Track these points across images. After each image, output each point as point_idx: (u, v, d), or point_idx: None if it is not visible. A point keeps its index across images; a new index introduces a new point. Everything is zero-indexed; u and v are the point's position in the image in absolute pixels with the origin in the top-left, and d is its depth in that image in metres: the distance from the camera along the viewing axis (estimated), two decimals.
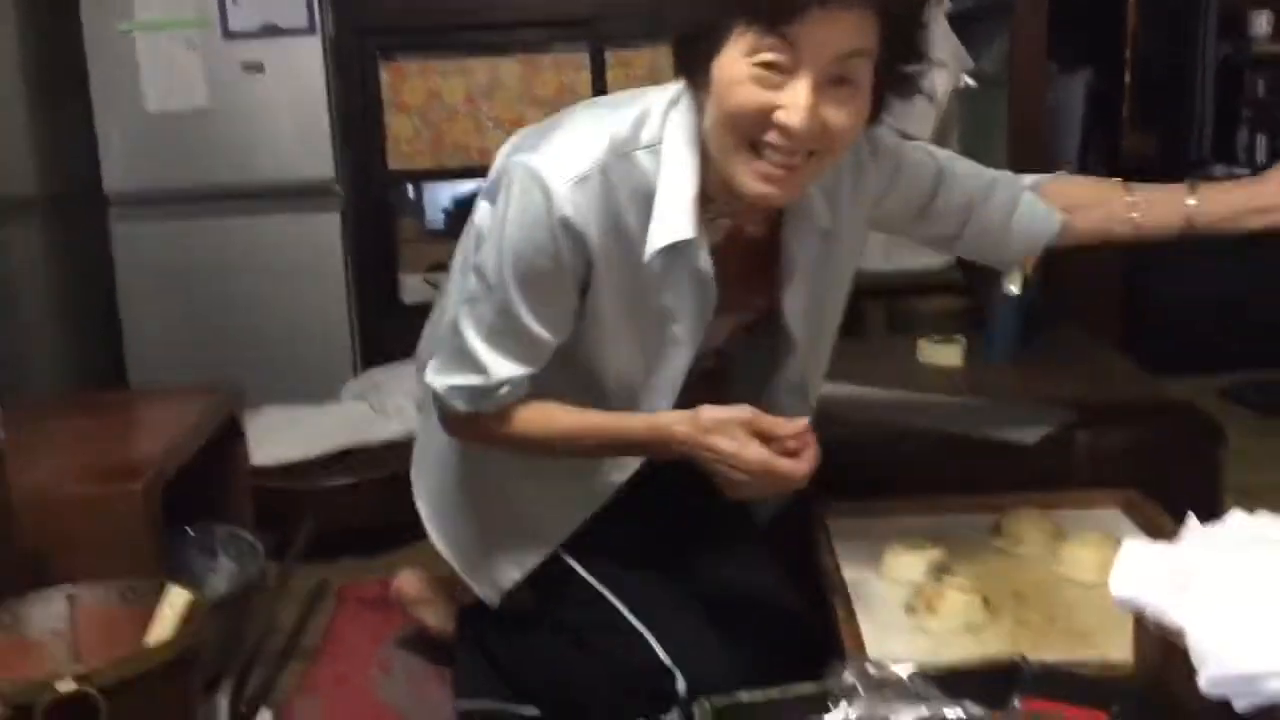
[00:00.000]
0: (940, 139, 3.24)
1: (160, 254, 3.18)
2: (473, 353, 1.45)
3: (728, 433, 1.37)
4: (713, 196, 1.42)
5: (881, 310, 3.26)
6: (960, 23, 3.30)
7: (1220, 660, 0.97)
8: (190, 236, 3.18)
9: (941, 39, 3.12)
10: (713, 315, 1.49)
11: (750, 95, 1.27)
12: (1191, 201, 1.59)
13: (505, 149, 1.57)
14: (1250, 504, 2.19)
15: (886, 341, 2.67)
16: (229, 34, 3.10)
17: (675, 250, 1.41)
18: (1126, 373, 2.19)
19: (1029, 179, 1.71)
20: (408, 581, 2.08)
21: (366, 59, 3.24)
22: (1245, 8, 3.71)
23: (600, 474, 1.61)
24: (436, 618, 2.02)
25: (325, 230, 3.20)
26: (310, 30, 3.10)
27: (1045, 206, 1.67)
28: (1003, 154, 3.23)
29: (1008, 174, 1.72)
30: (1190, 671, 1.00)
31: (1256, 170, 3.74)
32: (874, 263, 3.33)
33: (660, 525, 1.75)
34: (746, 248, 1.53)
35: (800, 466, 1.38)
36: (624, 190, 1.39)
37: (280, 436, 2.61)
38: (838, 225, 1.54)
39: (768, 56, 1.25)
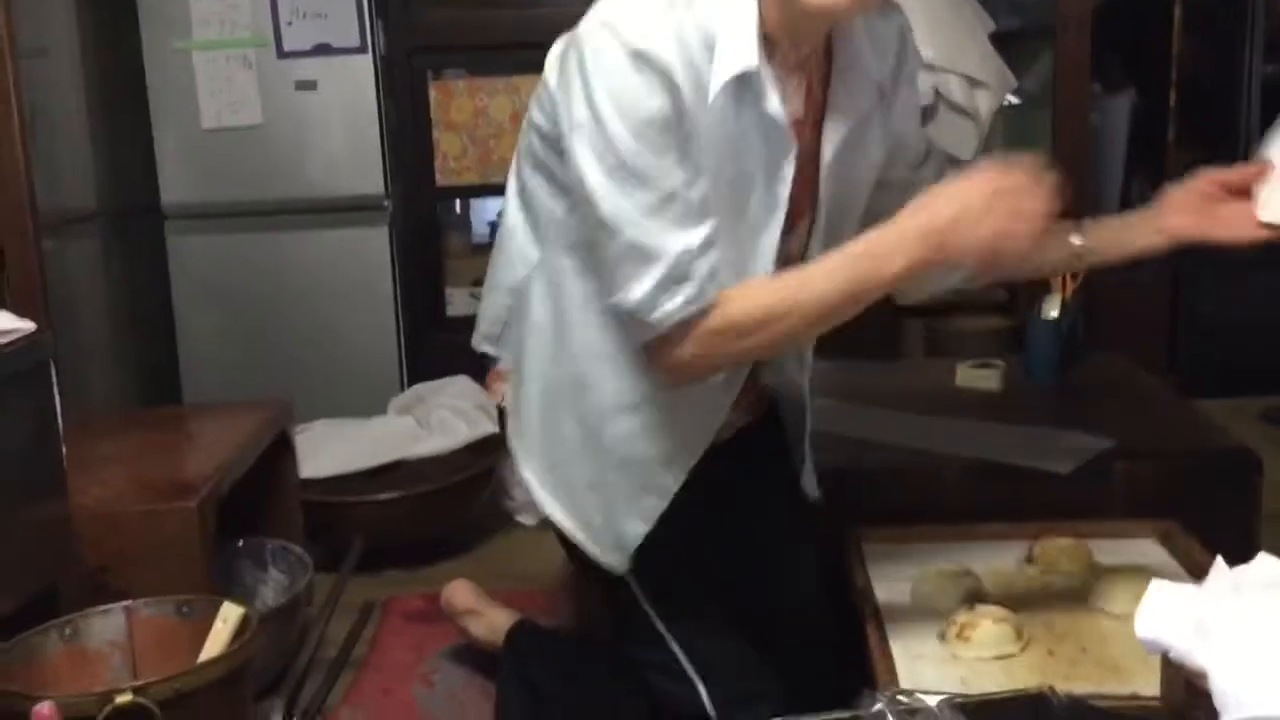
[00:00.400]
0: (982, 157, 3.26)
1: (214, 267, 3.26)
2: (638, 246, 1.34)
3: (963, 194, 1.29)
4: (776, 42, 1.38)
5: (921, 329, 3.28)
6: (1004, 42, 3.31)
7: (1241, 704, 0.99)
8: (243, 250, 3.26)
9: (984, 59, 3.14)
10: (793, 172, 1.41)
11: None
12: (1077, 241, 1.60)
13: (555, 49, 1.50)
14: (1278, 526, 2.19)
15: (924, 364, 2.69)
16: (283, 53, 3.17)
17: (744, 89, 1.35)
18: (1165, 400, 2.19)
19: None
20: (457, 592, 2.10)
21: (416, 78, 3.30)
22: None
23: (705, 400, 1.53)
24: (482, 629, 2.05)
25: (375, 245, 3.27)
26: (362, 49, 3.17)
27: None
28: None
29: None
30: (1213, 713, 1.02)
31: None
32: None
33: (726, 533, 1.73)
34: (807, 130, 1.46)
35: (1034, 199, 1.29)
36: (693, 36, 1.33)
37: (328, 450, 2.67)
38: (891, 86, 1.49)
39: None
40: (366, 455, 2.65)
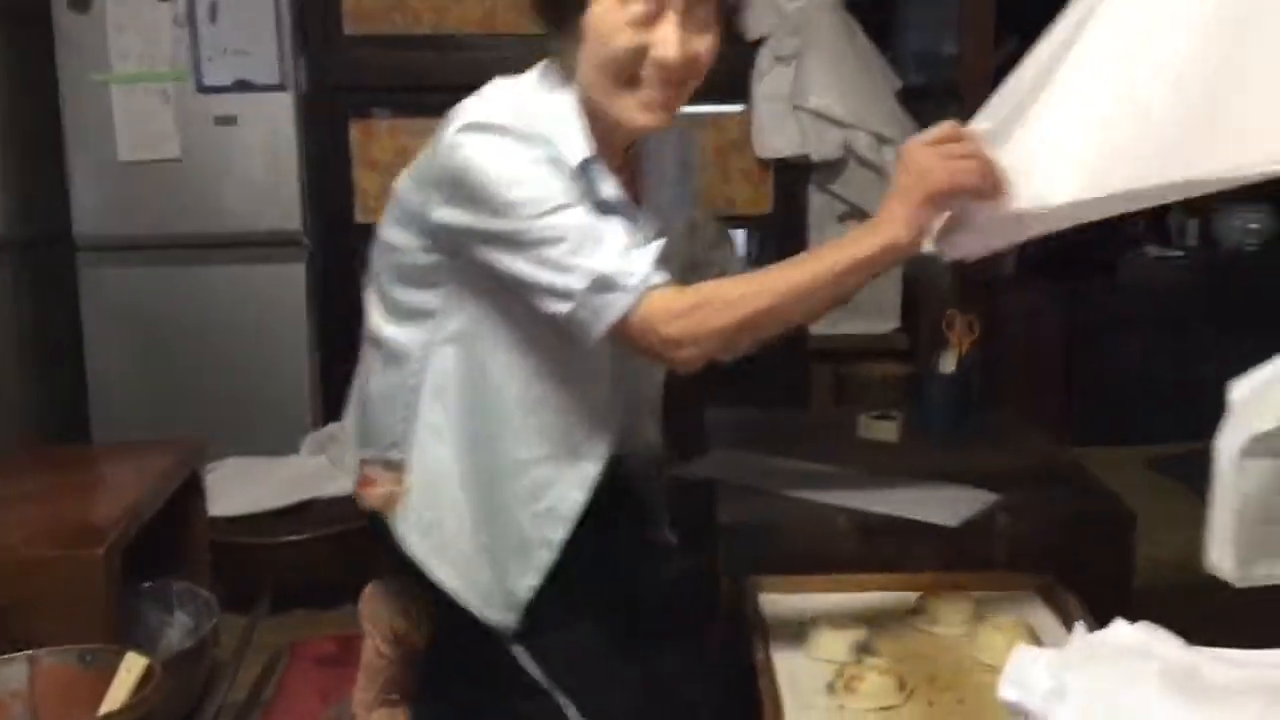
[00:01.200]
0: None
1: (127, 300, 3.24)
2: (587, 227, 1.45)
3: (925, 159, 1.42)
4: (599, 152, 1.53)
5: (829, 375, 3.37)
6: (911, 97, 3.44)
7: None
8: (158, 284, 3.25)
9: (891, 115, 3.26)
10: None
11: (628, 38, 1.43)
12: None
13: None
14: (1161, 571, 2.30)
15: (829, 412, 2.77)
16: (203, 88, 3.18)
17: (582, 182, 1.49)
18: (1051, 456, 2.30)
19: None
20: (371, 599, 2.07)
21: (336, 116, 3.32)
22: None
23: (588, 440, 1.65)
24: (387, 639, 2.02)
25: (291, 281, 3.28)
26: (282, 86, 3.20)
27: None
28: None
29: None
30: None
31: (1188, 253, 3.90)
32: (820, 328, 3.45)
33: (605, 591, 1.82)
34: None
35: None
36: (539, 128, 1.48)
37: (238, 489, 2.68)
38: (679, 178, 1.72)
39: (637, 8, 1.43)
40: (277, 494, 2.66)
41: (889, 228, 1.43)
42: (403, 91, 3.39)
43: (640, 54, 1.44)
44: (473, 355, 1.61)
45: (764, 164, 3.34)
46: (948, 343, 2.52)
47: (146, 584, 2.25)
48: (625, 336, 1.47)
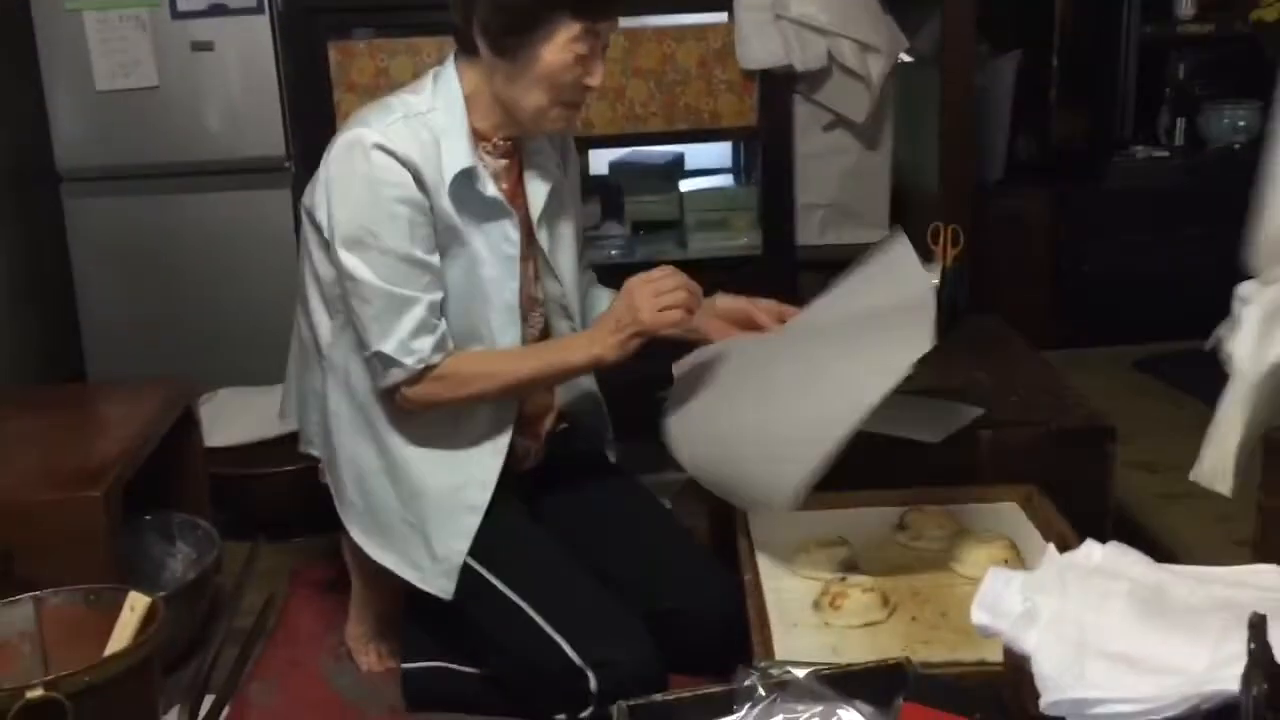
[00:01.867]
0: (876, 118, 3.35)
1: (114, 231, 3.22)
2: (396, 297, 1.73)
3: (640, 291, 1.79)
4: (487, 135, 1.83)
5: (818, 285, 3.37)
6: (895, 3, 3.39)
7: (1058, 686, 1.11)
8: (144, 213, 3.22)
9: (875, 23, 3.22)
10: (518, 235, 1.84)
11: (575, 73, 1.74)
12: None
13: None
14: (1147, 476, 2.36)
15: None
16: (178, 14, 3.13)
17: (467, 182, 1.78)
18: (1034, 368, 2.33)
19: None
20: None
21: (315, 38, 3.27)
22: None
23: (483, 429, 1.87)
24: (372, 574, 2.06)
25: (277, 206, 3.25)
26: (259, 9, 3.14)
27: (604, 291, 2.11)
28: (934, 132, 3.34)
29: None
30: (1037, 692, 1.14)
31: (1175, 153, 3.88)
32: (809, 238, 3.45)
33: (569, 514, 1.94)
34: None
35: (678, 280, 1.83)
36: (427, 136, 1.75)
37: (234, 419, 2.71)
38: (561, 164, 1.97)
39: (584, 48, 1.73)
40: (271, 424, 2.68)
41: (599, 349, 1.80)
42: (382, 11, 3.33)
43: (580, 83, 1.76)
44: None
45: (748, 75, 3.29)
46: (932, 256, 2.53)
47: (148, 516, 2.29)
48: (397, 393, 1.79)
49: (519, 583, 1.80)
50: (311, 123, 3.30)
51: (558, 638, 1.74)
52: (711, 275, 3.40)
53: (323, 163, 1.80)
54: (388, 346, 1.74)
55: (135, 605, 1.62)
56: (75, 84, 3.14)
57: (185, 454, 2.35)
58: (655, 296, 1.77)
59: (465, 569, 1.83)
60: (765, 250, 3.43)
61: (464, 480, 1.85)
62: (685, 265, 3.36)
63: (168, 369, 2.92)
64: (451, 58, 1.84)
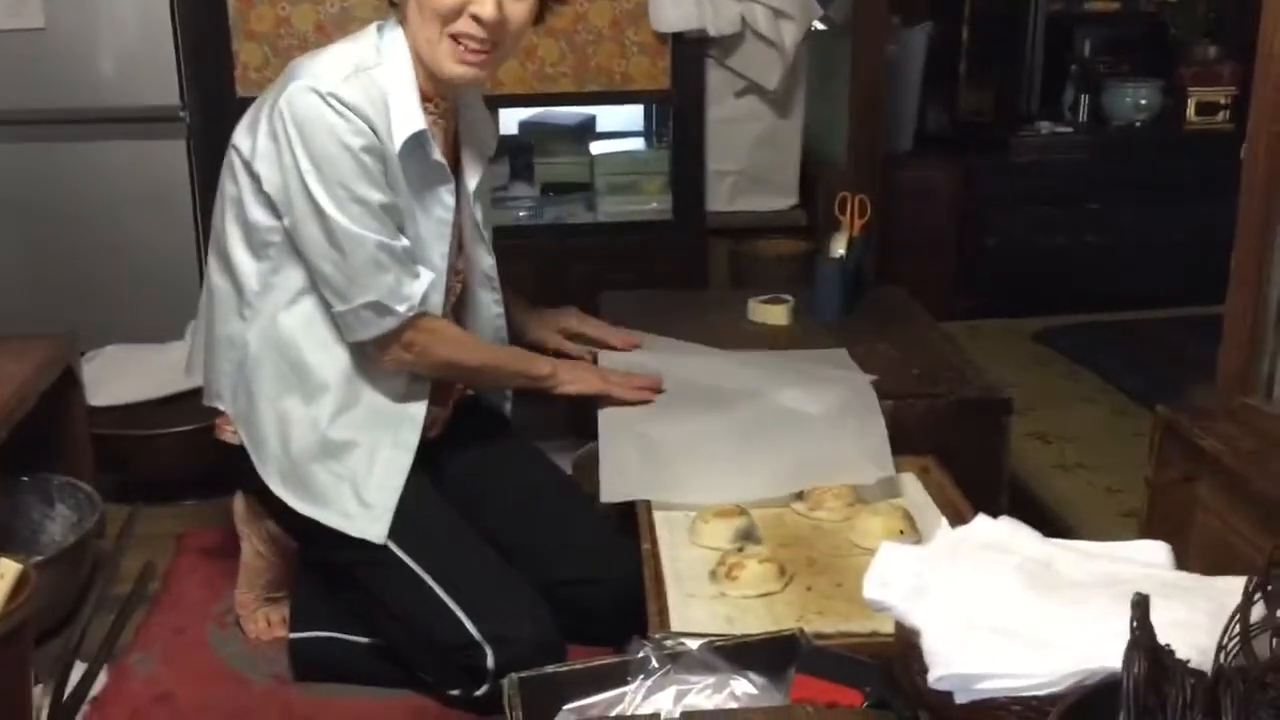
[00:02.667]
0: (788, 85, 3.34)
1: None
2: (382, 246, 1.72)
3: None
4: (429, 98, 1.81)
5: (724, 252, 3.37)
6: None
7: (946, 661, 1.11)
8: (29, 161, 3.08)
9: None
10: (453, 200, 1.85)
11: None
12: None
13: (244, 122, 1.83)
14: (1043, 447, 2.40)
15: (722, 296, 2.78)
16: None
17: (416, 144, 1.76)
18: (935, 339, 2.34)
19: None
20: (245, 502, 2.08)
21: None
22: None
23: (402, 388, 1.87)
24: (264, 540, 2.04)
25: (172, 157, 3.14)
26: None
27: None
28: (845, 101, 3.34)
29: None
30: (925, 666, 1.15)
31: (1079, 129, 3.94)
32: (718, 204, 3.44)
33: (471, 483, 1.91)
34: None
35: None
36: (375, 94, 1.72)
37: (119, 378, 2.61)
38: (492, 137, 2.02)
39: None
40: (159, 384, 2.59)
41: (558, 379, 1.95)
42: None
43: (459, 8, 1.70)
44: (302, 305, 1.80)
45: (661, 38, 3.26)
46: (839, 226, 2.53)
47: (25, 478, 2.20)
48: (373, 345, 1.79)
49: (421, 553, 1.77)
50: (208, 71, 3.19)
51: (458, 611, 1.72)
52: (621, 238, 3.41)
53: (265, 111, 1.73)
54: (380, 294, 1.73)
55: (4, 573, 1.55)
56: None
57: (66, 413, 2.27)
58: (622, 381, 2.00)
59: (361, 540, 1.78)
60: (675, 215, 3.42)
61: (392, 434, 1.84)
62: (595, 229, 3.41)
63: (54, 324, 2.80)
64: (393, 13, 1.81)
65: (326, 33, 3.19)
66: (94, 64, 3.06)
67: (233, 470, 1.92)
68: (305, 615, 1.94)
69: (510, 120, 3.64)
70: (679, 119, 3.35)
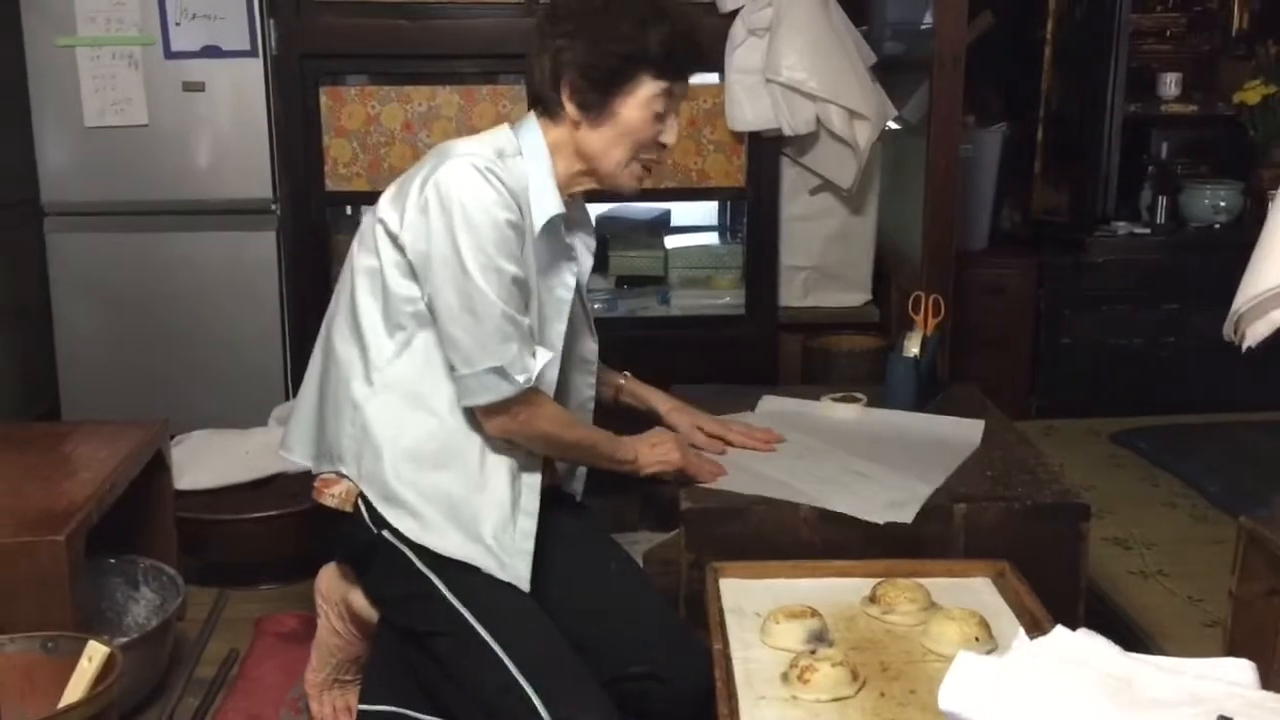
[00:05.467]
0: (862, 184, 3.38)
1: (95, 268, 3.22)
2: (508, 317, 1.78)
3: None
4: (562, 188, 1.90)
5: (796, 347, 3.39)
6: (886, 72, 3.43)
7: None
8: (127, 250, 3.23)
9: (864, 91, 3.25)
10: (574, 282, 1.96)
11: (653, 128, 1.88)
12: (621, 381, 2.26)
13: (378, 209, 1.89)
14: (1122, 553, 2.36)
15: (794, 392, 2.78)
16: (171, 53, 3.15)
17: (551, 227, 1.87)
18: (1010, 440, 2.32)
19: None
20: (326, 576, 2.07)
21: (307, 82, 3.29)
22: (1156, 68, 3.87)
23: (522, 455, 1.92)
24: (342, 616, 2.04)
25: (262, 248, 3.26)
26: (252, 53, 3.17)
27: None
28: (919, 199, 3.36)
29: None
30: None
31: (1156, 230, 3.93)
32: (791, 299, 3.46)
33: (546, 569, 1.92)
34: None
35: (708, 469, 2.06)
36: (516, 180, 1.83)
37: (205, 462, 2.68)
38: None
39: (662, 106, 1.86)
40: (244, 469, 2.66)
41: (639, 465, 2.02)
42: (373, 58, 3.35)
43: (655, 139, 1.89)
44: (430, 375, 1.86)
45: (737, 136, 3.33)
46: (913, 325, 2.54)
47: (112, 560, 2.26)
48: (483, 411, 1.83)
49: (501, 632, 1.78)
50: (299, 166, 3.31)
51: (532, 695, 1.72)
52: (694, 332, 3.45)
53: (416, 185, 1.81)
54: (503, 360, 1.78)
55: (93, 655, 1.59)
56: (64, 120, 3.15)
57: (154, 497, 2.33)
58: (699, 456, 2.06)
59: (449, 610, 1.80)
60: (748, 309, 3.45)
61: (513, 497, 1.89)
62: (667, 322, 3.44)
63: (143, 407, 2.91)
64: (531, 114, 1.92)
65: (413, 130, 3.31)
66: (192, 159, 3.21)
67: (330, 537, 1.94)
68: (376, 689, 1.95)
69: None
70: (753, 215, 3.40)
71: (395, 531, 1.85)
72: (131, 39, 3.13)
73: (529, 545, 1.87)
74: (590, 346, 2.10)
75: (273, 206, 3.25)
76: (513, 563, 1.85)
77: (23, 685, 1.63)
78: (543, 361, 1.85)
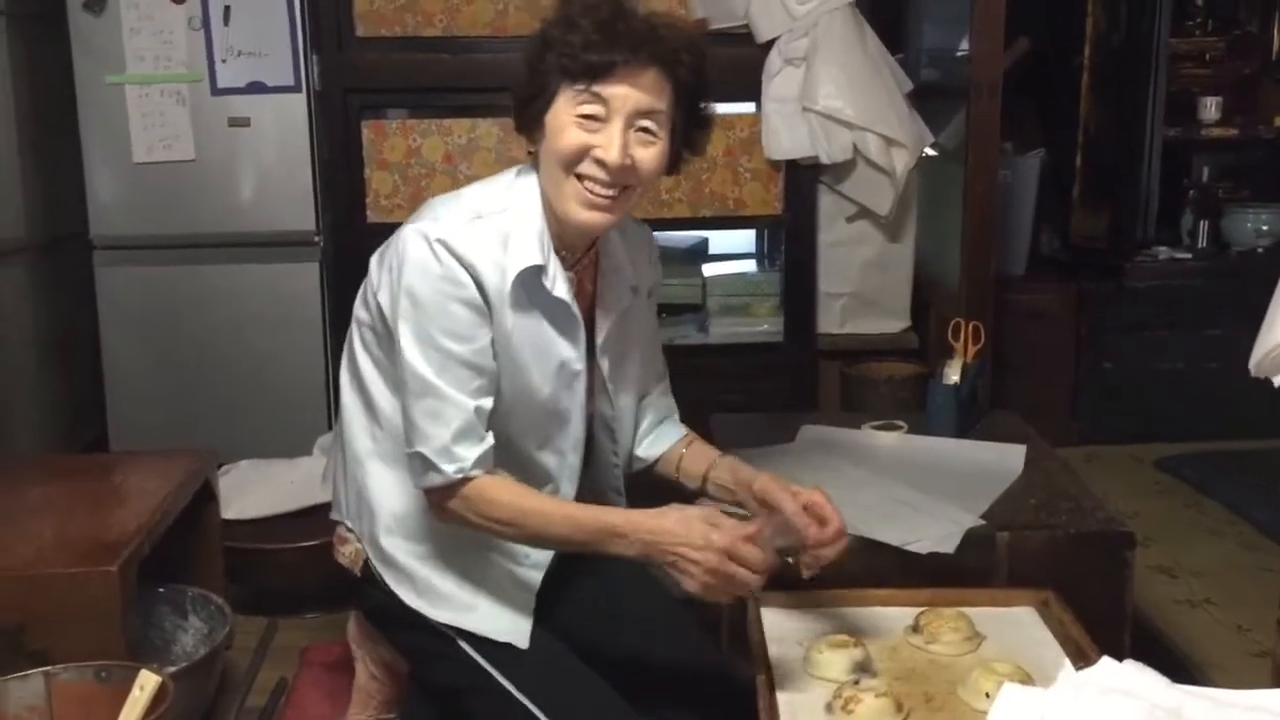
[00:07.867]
0: (900, 211, 3.38)
1: (143, 299, 3.28)
2: (441, 398, 1.62)
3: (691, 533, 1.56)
4: (559, 248, 1.71)
5: (835, 374, 3.39)
6: (924, 95, 3.44)
7: None
8: (173, 284, 3.29)
9: (901, 119, 3.26)
10: (584, 345, 1.74)
11: (574, 136, 1.60)
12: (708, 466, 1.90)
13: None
14: (1168, 581, 2.34)
15: (833, 420, 2.79)
16: (217, 90, 3.21)
17: (535, 281, 1.67)
18: (1052, 468, 2.31)
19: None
20: (357, 624, 2.05)
21: (349, 116, 3.35)
22: (1196, 92, 3.85)
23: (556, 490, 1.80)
24: (376, 663, 2.02)
25: (305, 281, 3.31)
26: (296, 88, 3.22)
27: (677, 429, 2.00)
28: (957, 226, 3.36)
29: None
30: None
31: (1198, 254, 3.90)
32: (829, 326, 3.47)
33: (581, 613, 1.89)
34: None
35: (752, 577, 1.57)
36: (493, 237, 1.65)
37: (252, 492, 2.71)
38: (640, 283, 1.86)
39: (585, 109, 1.59)
40: (290, 498, 2.70)
41: (631, 551, 1.61)
42: (414, 92, 3.41)
43: (585, 151, 1.60)
44: None
45: (774, 165, 3.35)
46: (953, 352, 2.54)
47: (161, 589, 2.29)
48: (423, 494, 1.68)
49: (527, 684, 1.76)
50: (342, 199, 3.37)
51: None
52: (732, 359, 3.45)
53: (387, 254, 1.71)
54: (429, 449, 1.63)
55: (145, 684, 1.62)
56: (114, 155, 3.22)
57: (202, 526, 2.36)
58: (725, 580, 1.57)
59: (473, 666, 1.79)
60: (786, 337, 3.46)
61: (525, 559, 1.79)
62: (706, 349, 3.45)
63: (189, 437, 2.95)
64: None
65: (454, 162, 3.35)
66: (238, 193, 3.27)
67: (348, 590, 1.94)
68: None
69: None
70: (791, 242, 3.41)
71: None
72: (179, 76, 3.19)
73: (526, 596, 1.76)
74: (608, 410, 1.85)
75: (316, 239, 3.30)
76: (511, 623, 1.76)
77: (77, 714, 1.66)
78: (483, 448, 1.65)
